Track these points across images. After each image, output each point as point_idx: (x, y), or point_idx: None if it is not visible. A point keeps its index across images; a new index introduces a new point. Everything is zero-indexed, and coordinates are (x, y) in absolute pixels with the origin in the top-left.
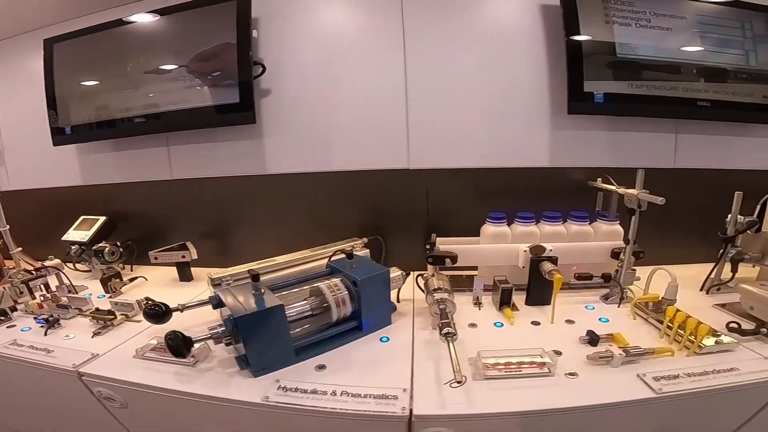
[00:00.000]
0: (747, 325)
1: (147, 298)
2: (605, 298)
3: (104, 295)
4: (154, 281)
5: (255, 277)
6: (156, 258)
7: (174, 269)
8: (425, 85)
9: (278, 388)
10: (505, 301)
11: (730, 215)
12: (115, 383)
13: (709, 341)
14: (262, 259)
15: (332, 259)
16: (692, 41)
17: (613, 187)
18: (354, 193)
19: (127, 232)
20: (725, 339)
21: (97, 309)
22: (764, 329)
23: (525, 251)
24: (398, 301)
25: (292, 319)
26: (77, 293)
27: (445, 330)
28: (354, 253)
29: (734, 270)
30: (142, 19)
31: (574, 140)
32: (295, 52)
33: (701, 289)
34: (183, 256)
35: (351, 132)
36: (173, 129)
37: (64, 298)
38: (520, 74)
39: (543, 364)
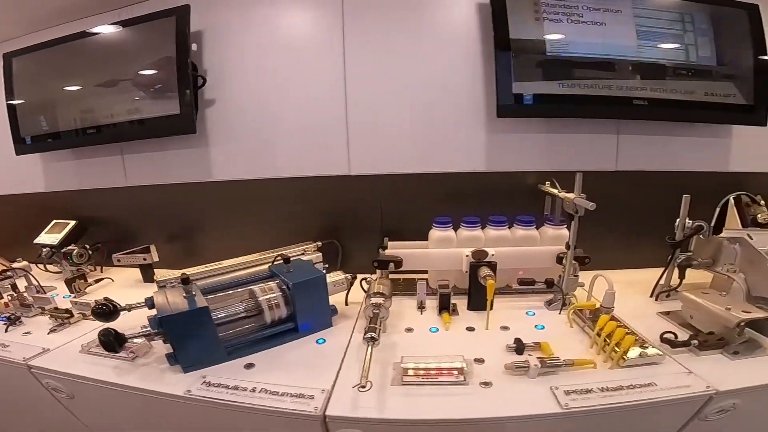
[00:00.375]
0: (684, 336)
1: (106, 299)
2: (548, 303)
3: (69, 295)
4: (120, 282)
5: (185, 280)
6: (119, 260)
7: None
8: (364, 93)
9: (202, 383)
10: (444, 306)
11: (678, 220)
12: (60, 376)
13: (634, 353)
14: (224, 260)
15: (275, 263)
16: (628, 36)
17: (555, 191)
18: (309, 198)
19: (99, 236)
20: (650, 351)
21: (56, 308)
22: (695, 341)
23: (467, 256)
24: (347, 304)
25: (223, 321)
26: (45, 293)
27: (368, 335)
28: (301, 257)
29: (681, 276)
30: (103, 30)
31: (513, 144)
32: (238, 62)
33: (651, 296)
34: (144, 259)
35: (294, 139)
36: (122, 139)
37: (30, 298)
38: (457, 78)
39: (459, 371)
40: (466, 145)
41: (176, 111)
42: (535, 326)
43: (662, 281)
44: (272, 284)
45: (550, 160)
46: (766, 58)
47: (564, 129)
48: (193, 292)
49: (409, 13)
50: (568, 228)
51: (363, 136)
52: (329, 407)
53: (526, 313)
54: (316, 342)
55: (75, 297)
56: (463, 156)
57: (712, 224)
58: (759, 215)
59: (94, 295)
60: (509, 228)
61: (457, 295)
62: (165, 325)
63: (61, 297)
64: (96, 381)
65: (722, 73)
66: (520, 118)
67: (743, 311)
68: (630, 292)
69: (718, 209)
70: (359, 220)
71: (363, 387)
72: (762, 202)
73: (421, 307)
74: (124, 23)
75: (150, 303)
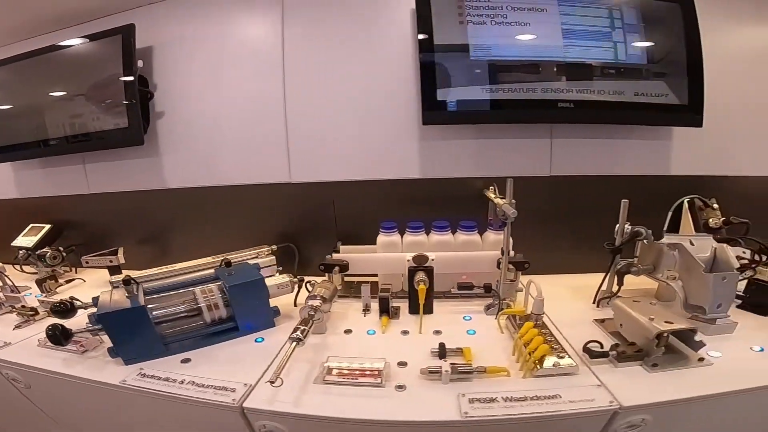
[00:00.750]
0: (609, 345)
1: (71, 297)
2: (487, 308)
3: (41, 295)
4: (91, 283)
5: (126, 281)
6: (87, 262)
7: None
8: (304, 103)
9: (138, 375)
10: (383, 309)
11: (617, 225)
12: (17, 367)
13: (549, 363)
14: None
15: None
16: (553, 36)
17: (492, 196)
18: (265, 204)
19: (74, 239)
20: (565, 362)
21: (23, 306)
22: (614, 352)
23: (408, 260)
24: (295, 305)
25: (162, 319)
26: (19, 293)
27: (293, 334)
28: (254, 260)
29: (620, 283)
30: (61, 46)
31: (447, 150)
32: (186, 75)
33: (594, 302)
34: (111, 261)
35: (238, 149)
36: (80, 151)
37: (3, 297)
38: (393, 86)
39: (379, 374)
40: (403, 152)
41: (125, 124)
42: (467, 331)
43: (603, 287)
44: (213, 286)
45: (485, 166)
46: (701, 55)
47: (496, 134)
48: (135, 292)
49: (348, 24)
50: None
51: (303, 145)
52: (248, 400)
53: (464, 317)
54: (255, 341)
55: (45, 296)
56: (401, 163)
57: (665, 229)
58: (711, 219)
59: (64, 294)
60: (453, 233)
61: (404, 298)
62: (102, 322)
63: (34, 297)
64: (46, 371)
65: (653, 71)
66: (453, 125)
67: (665, 321)
68: (576, 297)
69: (670, 213)
70: (317, 226)
71: (272, 382)
72: (716, 206)
73: (366, 309)
74: (83, 38)
75: (95, 301)
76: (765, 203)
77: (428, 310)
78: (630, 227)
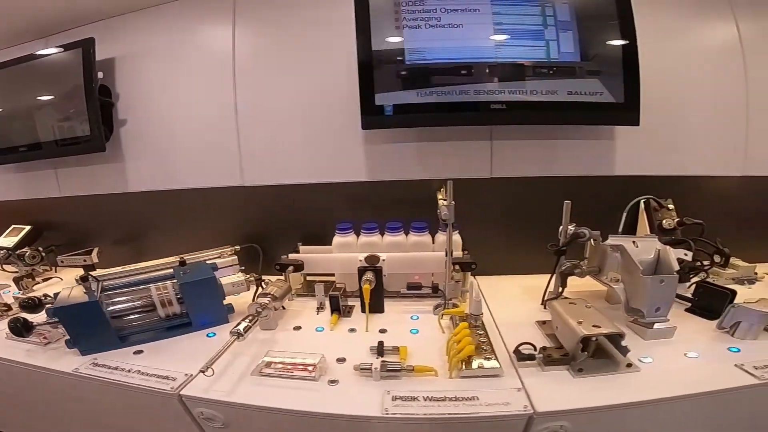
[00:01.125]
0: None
1: (45, 295)
2: (435, 308)
3: (18, 292)
4: (68, 281)
5: (83, 278)
6: (63, 261)
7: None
8: (254, 107)
9: (91, 364)
10: (334, 308)
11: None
12: None
13: (475, 364)
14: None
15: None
16: (484, 36)
17: (439, 197)
18: (230, 207)
19: (56, 239)
20: (490, 363)
21: None
22: (541, 355)
23: (360, 261)
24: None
25: (118, 313)
26: None
27: (235, 329)
28: (216, 260)
29: (563, 284)
30: (29, 57)
31: (392, 153)
32: (145, 83)
33: (542, 303)
34: (85, 260)
35: (192, 153)
36: (48, 157)
37: None
38: (340, 91)
39: (314, 368)
40: (350, 156)
41: (87, 132)
42: (411, 330)
43: (550, 288)
44: (168, 284)
45: (429, 168)
46: (636, 52)
47: (438, 137)
48: (93, 288)
49: (296, 33)
50: (461, 233)
51: (255, 149)
52: (186, 388)
53: (411, 317)
54: (207, 335)
55: (22, 293)
56: (349, 167)
57: (620, 230)
58: (665, 220)
59: (39, 292)
60: (406, 234)
61: (358, 297)
62: (57, 315)
63: (11, 294)
64: (11, 361)
65: (587, 69)
66: (396, 129)
67: (594, 326)
68: (527, 298)
69: (624, 214)
70: (283, 227)
71: (203, 371)
72: (671, 207)
73: (320, 308)
74: (52, 49)
75: (55, 297)
76: (723, 204)
77: (378, 309)
78: (574, 228)
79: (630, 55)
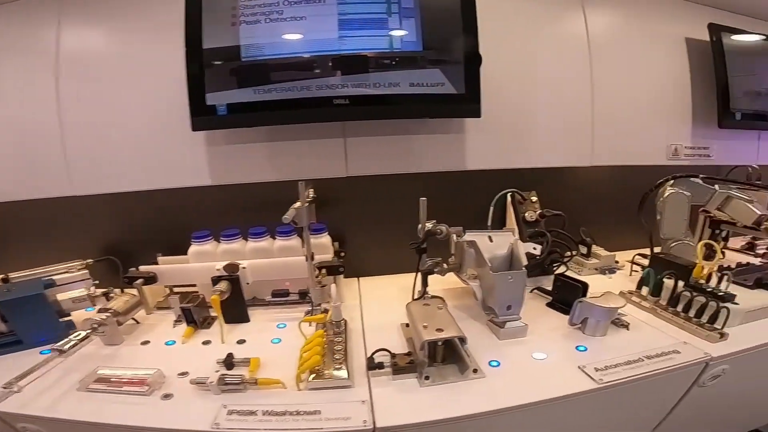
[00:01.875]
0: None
1: None
2: (306, 314)
3: None
4: None
5: None
6: None
7: None
8: (82, 111)
9: None
10: (189, 320)
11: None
12: None
13: (327, 374)
14: None
15: None
16: (329, 29)
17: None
18: (83, 218)
19: None
20: (339, 373)
21: None
22: (388, 364)
23: (218, 270)
24: None
25: None
26: None
27: (57, 345)
28: (53, 276)
29: (425, 283)
30: None
31: (235, 155)
32: None
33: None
34: None
35: (14, 161)
36: None
37: None
38: (171, 92)
39: (142, 382)
40: (192, 159)
41: None
42: (272, 340)
43: (418, 288)
44: None
45: (281, 169)
46: (476, 40)
47: (288, 136)
48: None
49: (127, 31)
50: (340, 235)
51: (86, 156)
52: (2, 404)
53: (278, 325)
54: (41, 353)
55: None
56: (192, 171)
57: (489, 224)
58: (527, 213)
59: None
60: (273, 239)
61: None
62: None
63: None
64: None
65: (428, 59)
66: (245, 129)
67: (437, 329)
68: (403, 298)
69: (492, 208)
70: (145, 237)
71: (5, 387)
72: (534, 199)
73: (177, 320)
74: None
75: None
76: (578, 193)
77: (241, 319)
78: (432, 225)
79: (470, 44)
